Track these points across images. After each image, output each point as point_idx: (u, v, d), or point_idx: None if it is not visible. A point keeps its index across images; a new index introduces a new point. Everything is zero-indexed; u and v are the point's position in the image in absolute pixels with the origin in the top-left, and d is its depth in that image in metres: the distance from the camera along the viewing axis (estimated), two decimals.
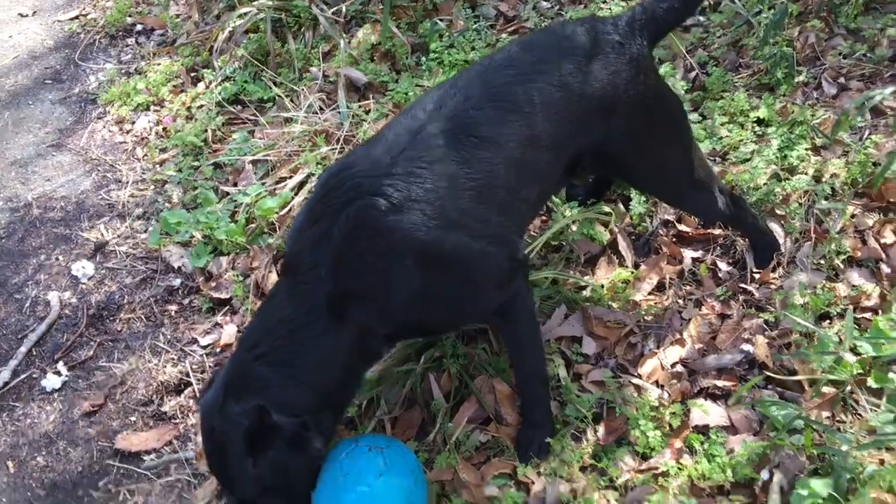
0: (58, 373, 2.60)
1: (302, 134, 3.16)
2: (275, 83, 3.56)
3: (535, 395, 2.33)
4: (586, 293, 2.66)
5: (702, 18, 3.77)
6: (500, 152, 2.07)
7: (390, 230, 1.94)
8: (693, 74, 3.46)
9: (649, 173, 2.46)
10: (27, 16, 4.43)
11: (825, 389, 2.30)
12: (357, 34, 3.69)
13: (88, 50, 4.13)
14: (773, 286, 2.65)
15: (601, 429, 2.30)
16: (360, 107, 3.33)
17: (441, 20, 3.76)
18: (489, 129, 2.07)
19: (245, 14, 3.67)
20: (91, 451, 2.40)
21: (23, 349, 2.65)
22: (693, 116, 3.20)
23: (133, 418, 2.47)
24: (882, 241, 2.71)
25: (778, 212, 2.83)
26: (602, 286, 2.68)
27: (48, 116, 3.72)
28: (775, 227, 2.76)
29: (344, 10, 3.72)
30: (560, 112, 2.15)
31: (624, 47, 2.23)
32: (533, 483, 2.22)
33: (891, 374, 2.27)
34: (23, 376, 2.61)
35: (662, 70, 3.37)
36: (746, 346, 2.48)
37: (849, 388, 2.28)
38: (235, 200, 2.97)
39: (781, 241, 2.73)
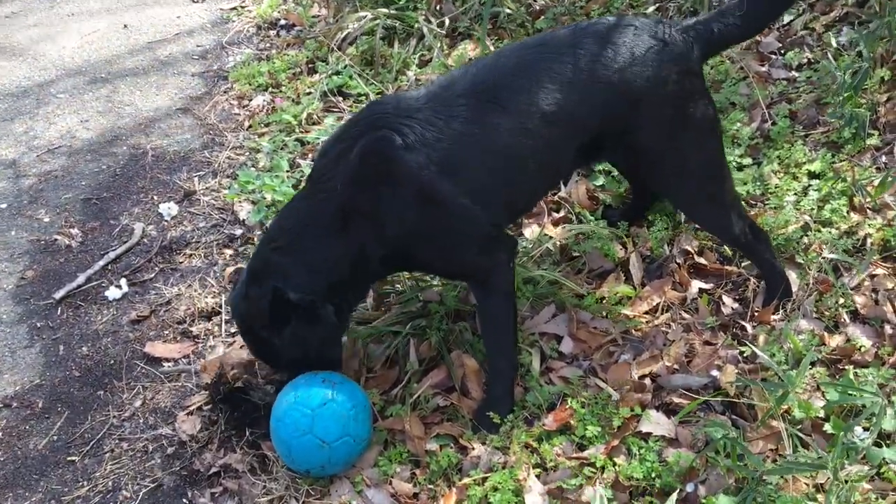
0: (119, 287, 3.08)
1: None
2: (374, 82, 3.95)
3: (499, 372, 2.51)
4: (581, 292, 2.82)
5: (795, 73, 3.80)
6: (510, 119, 2.29)
7: (396, 163, 2.25)
8: (767, 125, 3.51)
9: (666, 174, 2.54)
10: (198, 1, 5.12)
11: (774, 424, 2.35)
12: (458, 47, 4.03)
13: (236, 35, 4.73)
14: (769, 326, 2.70)
15: (550, 416, 2.46)
16: None
17: None
18: (506, 96, 2.31)
19: (362, 17, 4.12)
20: (126, 351, 2.84)
21: (100, 263, 3.17)
22: (748, 161, 3.27)
23: (167, 332, 2.90)
24: None
25: (798, 260, 2.87)
26: (600, 299, 2.83)
27: (186, 85, 4.32)
28: (791, 275, 2.80)
29: (447, 22, 4.08)
30: (579, 91, 2.32)
31: (667, 48, 2.35)
32: (473, 449, 2.42)
33: (858, 429, 2.27)
34: (93, 283, 3.12)
35: (733, 115, 3.45)
36: (716, 373, 2.56)
37: (799, 428, 2.33)
38: (303, 171, 3.37)
39: (795, 288, 2.77)
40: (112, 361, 2.81)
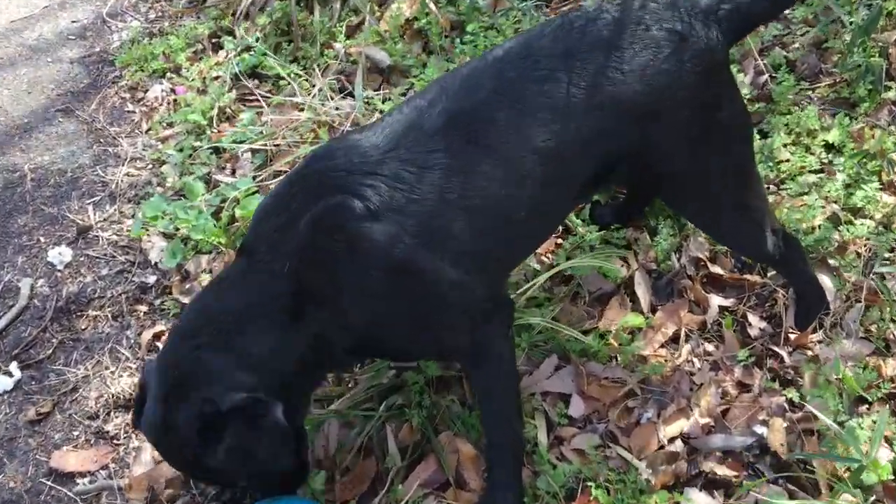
0: (9, 374, 2.45)
1: (306, 123, 2.90)
2: (295, 58, 3.29)
3: (504, 457, 2.03)
4: (584, 341, 2.33)
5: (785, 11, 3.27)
6: (503, 167, 1.80)
7: (360, 237, 1.73)
8: (763, 79, 3.01)
9: (690, 192, 2.08)
10: None
11: (846, 496, 1.94)
12: (391, 7, 3.37)
13: (119, 4, 3.94)
14: (809, 352, 2.27)
15: None
16: (377, 94, 3.04)
17: None
18: (493, 135, 1.80)
19: None
20: (27, 466, 2.25)
21: None
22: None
23: (76, 433, 2.31)
24: None
25: (831, 262, 2.42)
26: (604, 336, 2.35)
27: (64, 77, 3.56)
28: (825, 281, 2.35)
29: None
30: (583, 119, 1.82)
31: (687, 42, 1.85)
32: None
33: None
34: None
35: None
36: (760, 429, 2.12)
37: (874, 497, 1.92)
38: (223, 195, 2.73)
39: (831, 298, 2.33)
40: (12, 484, 2.22)
